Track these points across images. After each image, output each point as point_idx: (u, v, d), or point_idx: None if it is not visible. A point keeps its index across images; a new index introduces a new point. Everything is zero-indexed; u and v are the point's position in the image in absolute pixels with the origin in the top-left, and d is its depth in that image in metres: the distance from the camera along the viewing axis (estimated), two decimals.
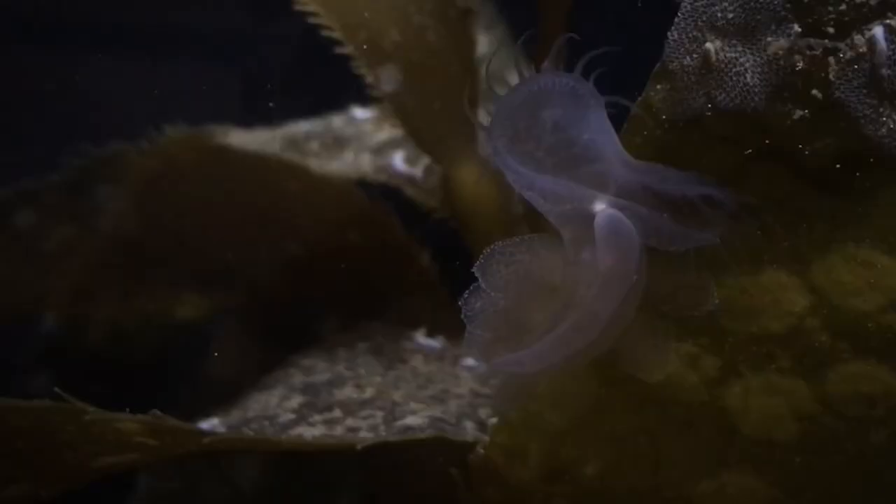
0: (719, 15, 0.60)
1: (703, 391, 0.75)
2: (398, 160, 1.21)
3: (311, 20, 0.96)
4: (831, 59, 0.60)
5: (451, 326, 1.17)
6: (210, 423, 1.02)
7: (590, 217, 0.63)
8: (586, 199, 0.63)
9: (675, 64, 0.62)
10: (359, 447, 0.82)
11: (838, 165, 0.62)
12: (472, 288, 0.68)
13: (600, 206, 0.63)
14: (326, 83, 1.33)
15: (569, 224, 0.64)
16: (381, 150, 1.26)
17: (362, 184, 1.24)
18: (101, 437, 0.84)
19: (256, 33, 1.55)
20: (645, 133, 0.63)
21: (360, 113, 1.33)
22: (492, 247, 0.67)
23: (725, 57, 0.61)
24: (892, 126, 0.61)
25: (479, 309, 0.67)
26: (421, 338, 1.09)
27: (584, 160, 0.64)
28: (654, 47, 0.65)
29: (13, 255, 1.36)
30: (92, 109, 1.50)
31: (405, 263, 1.23)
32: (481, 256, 0.67)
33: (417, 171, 1.20)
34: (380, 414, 0.90)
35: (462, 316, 0.68)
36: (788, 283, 0.68)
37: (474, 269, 0.67)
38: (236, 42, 1.57)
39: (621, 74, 0.65)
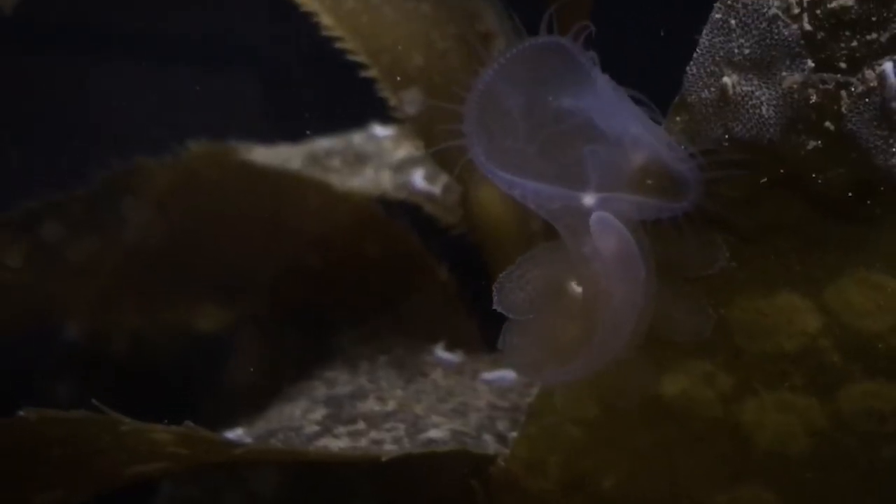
0: (736, 51, 0.63)
1: (719, 407, 0.77)
2: (418, 178, 1.24)
3: (338, 45, 1.00)
4: (843, 93, 0.63)
5: (469, 340, 1.20)
6: (235, 434, 1.04)
7: (581, 209, 0.65)
8: (572, 198, 0.65)
9: (693, 97, 0.64)
10: (384, 459, 0.85)
11: (850, 193, 0.65)
12: (506, 326, 0.69)
13: (589, 201, 0.65)
14: (345, 99, 1.36)
15: (561, 219, 0.66)
16: (401, 167, 1.29)
17: (383, 200, 1.27)
18: (135, 446, 0.87)
19: (277, 48, 1.59)
20: None
21: (379, 130, 1.36)
22: (500, 277, 0.68)
23: (742, 90, 0.63)
24: None
25: (517, 343, 0.68)
26: (440, 351, 1.12)
27: (564, 136, 0.66)
28: (672, 69, 0.67)
29: (38, 266, 1.39)
30: (108, 116, 1.53)
31: (424, 277, 1.25)
32: (494, 290, 0.68)
33: (437, 189, 1.23)
34: (402, 427, 0.93)
35: (501, 351, 0.69)
36: (802, 304, 0.71)
37: (495, 306, 0.68)
38: (256, 56, 1.60)
39: (644, 89, 0.67)
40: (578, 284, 0.68)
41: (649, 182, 0.65)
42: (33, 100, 1.48)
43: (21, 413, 0.86)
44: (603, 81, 0.65)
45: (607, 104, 0.65)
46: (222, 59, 1.57)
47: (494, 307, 0.69)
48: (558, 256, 0.68)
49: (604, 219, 0.64)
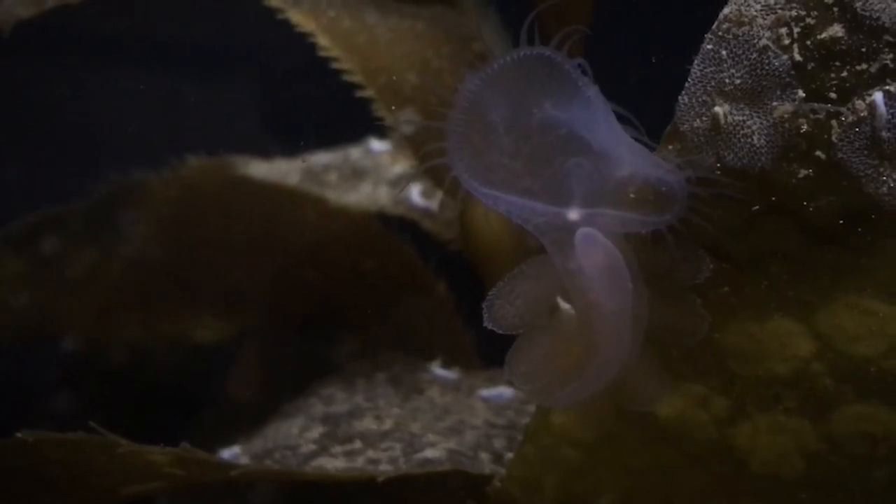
0: (727, 81, 0.64)
1: (713, 429, 0.78)
2: (415, 193, 1.25)
3: (334, 65, 1.00)
4: (834, 123, 0.63)
5: (466, 356, 1.20)
6: (232, 452, 1.05)
7: (566, 224, 0.64)
8: (557, 213, 0.64)
9: (685, 126, 0.65)
10: (380, 480, 0.85)
11: (841, 221, 0.65)
12: (508, 355, 0.68)
13: (574, 216, 0.64)
14: (342, 113, 1.36)
15: (547, 233, 0.65)
16: (398, 182, 1.29)
17: (380, 216, 1.28)
18: (131, 467, 0.88)
19: (274, 62, 1.59)
20: None
21: (377, 145, 1.36)
22: (489, 294, 0.68)
23: (734, 120, 0.64)
24: (892, 185, 0.64)
25: (524, 370, 0.68)
26: (437, 368, 1.12)
27: (549, 148, 0.64)
28: (664, 96, 0.68)
29: (38, 279, 1.39)
30: (105, 123, 1.53)
31: (421, 293, 1.26)
32: (483, 307, 0.68)
33: (434, 205, 1.24)
34: (399, 446, 0.93)
35: (498, 369, 0.69)
36: (794, 329, 0.71)
37: (485, 324, 0.68)
38: (254, 65, 1.60)
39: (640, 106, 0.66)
40: (568, 298, 0.68)
41: (633, 195, 0.65)
42: (28, 107, 1.49)
43: (18, 435, 0.86)
44: (591, 91, 0.64)
45: (593, 115, 0.65)
46: (221, 68, 1.58)
47: (485, 324, 0.68)
48: (546, 271, 0.67)
49: (589, 236, 0.64)
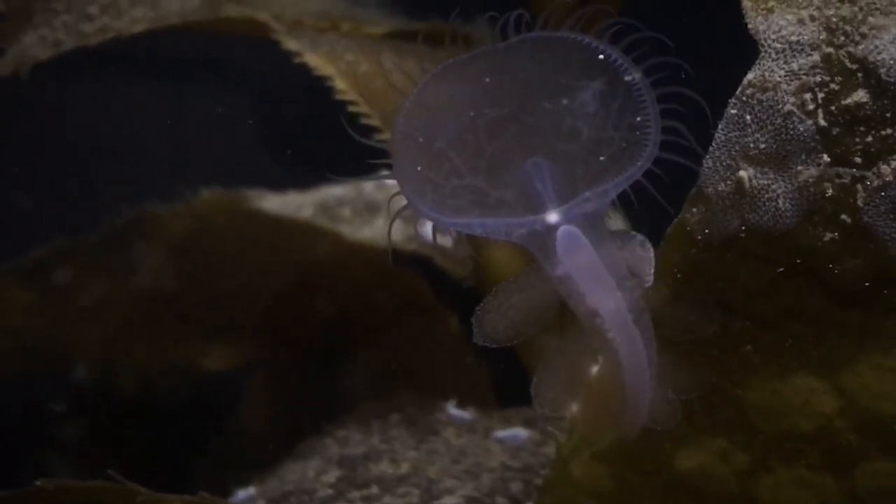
0: (752, 145, 0.64)
1: (734, 483, 0.77)
2: (428, 229, 1.24)
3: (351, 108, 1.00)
4: (859, 187, 0.63)
5: (480, 393, 1.20)
6: (247, 493, 1.05)
7: (549, 228, 0.61)
8: (535, 220, 0.61)
9: (710, 189, 0.65)
10: None
11: (867, 283, 0.65)
12: (534, 381, 0.65)
13: (553, 218, 0.61)
14: (355, 147, 1.36)
15: (531, 242, 0.62)
16: (412, 217, 1.29)
17: (394, 251, 1.27)
18: None
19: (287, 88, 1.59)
20: (681, 251, 0.66)
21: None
22: (478, 309, 0.64)
23: (758, 183, 0.64)
24: None
25: (551, 398, 0.65)
26: (452, 408, 1.12)
27: (505, 151, 0.61)
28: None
29: (49, 309, 1.40)
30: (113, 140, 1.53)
31: (435, 329, 1.26)
32: (473, 322, 0.64)
33: (447, 241, 1.23)
34: (416, 492, 0.93)
35: (537, 410, 0.66)
36: (818, 386, 0.71)
37: (474, 339, 0.64)
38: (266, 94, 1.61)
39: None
40: (565, 306, 0.63)
41: (602, 158, 0.62)
42: (33, 125, 1.49)
43: (38, 483, 0.86)
44: (515, 57, 0.60)
45: (528, 88, 0.61)
46: (234, 96, 1.58)
47: (474, 340, 0.65)
48: (537, 280, 0.65)
49: (570, 239, 0.60)
